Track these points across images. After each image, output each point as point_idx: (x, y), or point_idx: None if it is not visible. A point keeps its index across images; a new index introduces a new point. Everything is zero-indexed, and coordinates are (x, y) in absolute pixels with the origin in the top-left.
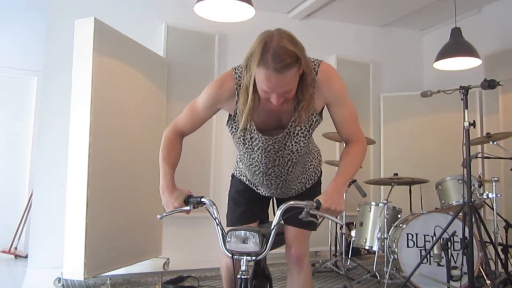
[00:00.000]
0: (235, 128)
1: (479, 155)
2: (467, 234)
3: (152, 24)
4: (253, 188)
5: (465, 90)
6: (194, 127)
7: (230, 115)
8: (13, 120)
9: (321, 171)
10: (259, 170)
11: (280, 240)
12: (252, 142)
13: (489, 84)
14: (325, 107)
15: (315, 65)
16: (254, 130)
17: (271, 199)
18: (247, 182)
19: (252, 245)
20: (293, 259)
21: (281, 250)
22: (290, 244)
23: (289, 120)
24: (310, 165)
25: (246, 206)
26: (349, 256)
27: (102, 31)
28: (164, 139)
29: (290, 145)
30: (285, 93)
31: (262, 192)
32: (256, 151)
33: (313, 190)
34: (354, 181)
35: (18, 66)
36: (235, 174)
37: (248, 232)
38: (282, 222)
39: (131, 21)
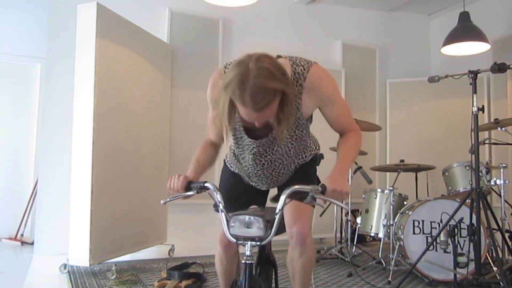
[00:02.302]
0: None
1: (487, 141)
2: (474, 221)
3: (156, 9)
4: (245, 178)
5: (474, 74)
6: (219, 133)
7: None
8: (18, 107)
9: (316, 155)
10: (247, 166)
11: (284, 225)
12: (243, 142)
13: (499, 68)
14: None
15: (304, 69)
16: (242, 131)
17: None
18: (236, 171)
19: (256, 230)
20: (296, 239)
21: (286, 236)
22: (291, 223)
23: (272, 129)
24: (304, 159)
25: (239, 200)
26: (355, 243)
27: (105, 16)
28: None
29: (279, 149)
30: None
31: (251, 183)
32: (245, 150)
33: (305, 169)
34: (360, 167)
35: (21, 53)
36: (226, 160)
37: (252, 217)
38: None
39: (135, 6)
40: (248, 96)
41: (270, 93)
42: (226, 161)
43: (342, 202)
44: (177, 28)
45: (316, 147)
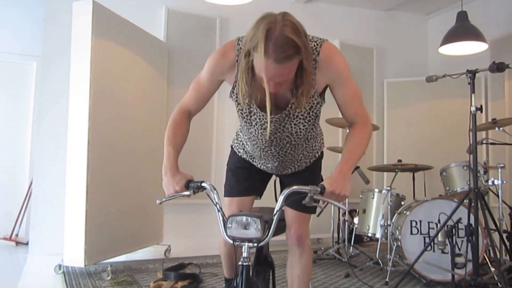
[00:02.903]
0: (235, 101)
1: (485, 141)
2: (472, 221)
3: (152, 7)
4: (251, 161)
5: (472, 74)
6: (200, 103)
7: (232, 87)
8: (13, 106)
9: (322, 153)
10: (257, 145)
11: (282, 226)
12: (251, 117)
13: (498, 67)
14: (328, 88)
15: (317, 45)
16: (253, 105)
17: (273, 179)
18: (244, 156)
19: (254, 231)
20: (294, 240)
21: (284, 237)
22: (291, 226)
23: (288, 102)
24: (312, 149)
25: (244, 183)
26: (352, 243)
27: (101, 14)
28: (170, 120)
29: (289, 127)
30: (282, 82)
31: (258, 165)
32: (254, 126)
33: (312, 168)
34: (357, 167)
35: (17, 52)
36: (233, 146)
37: (249, 218)
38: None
39: (131, 4)
40: (272, 45)
41: (293, 47)
42: (233, 146)
43: (340, 203)
44: (173, 26)
45: (322, 143)
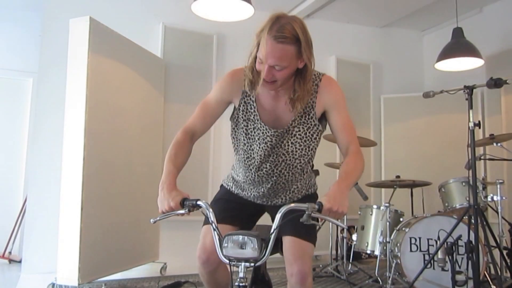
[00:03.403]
0: (241, 118)
1: (483, 157)
2: (471, 238)
3: (149, 24)
4: (240, 192)
5: (469, 89)
6: (206, 124)
7: (235, 108)
8: (9, 122)
9: (316, 193)
10: (253, 164)
11: (277, 244)
12: (254, 132)
13: (496, 83)
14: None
15: (319, 74)
16: (257, 120)
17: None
18: (233, 188)
19: (251, 250)
20: (298, 280)
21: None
22: (293, 262)
23: (289, 120)
24: (306, 183)
25: (226, 212)
26: (350, 260)
27: (98, 31)
28: (173, 141)
29: (286, 144)
30: (276, 67)
31: (248, 194)
32: (256, 141)
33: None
34: (356, 183)
35: (13, 68)
36: (223, 183)
37: (246, 237)
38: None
39: (128, 20)
40: (276, 27)
41: (294, 36)
42: (223, 183)
43: (338, 220)
44: (170, 43)
45: (316, 185)
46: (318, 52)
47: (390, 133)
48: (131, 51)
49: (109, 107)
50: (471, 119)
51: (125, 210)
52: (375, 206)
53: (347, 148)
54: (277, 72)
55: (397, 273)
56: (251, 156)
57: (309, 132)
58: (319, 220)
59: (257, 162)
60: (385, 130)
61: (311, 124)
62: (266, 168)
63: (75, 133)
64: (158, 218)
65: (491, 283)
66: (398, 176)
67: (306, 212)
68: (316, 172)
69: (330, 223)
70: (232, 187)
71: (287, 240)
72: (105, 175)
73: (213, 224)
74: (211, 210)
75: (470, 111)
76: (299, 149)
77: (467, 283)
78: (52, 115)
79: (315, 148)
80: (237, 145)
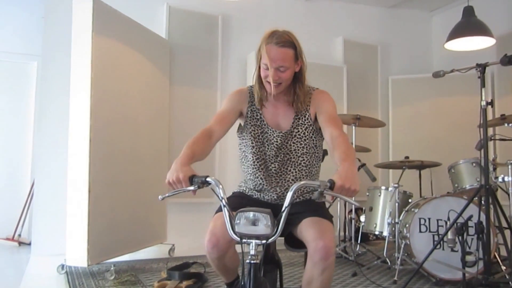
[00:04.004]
0: (249, 124)
1: (493, 137)
2: (482, 219)
3: (154, 5)
4: (254, 194)
5: (482, 68)
6: (222, 128)
7: (243, 115)
8: (14, 106)
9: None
10: (263, 165)
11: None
12: (262, 136)
13: (510, 60)
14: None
15: (313, 86)
16: (264, 125)
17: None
18: (246, 191)
19: (263, 227)
20: (323, 254)
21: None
22: (317, 237)
23: (289, 122)
24: (309, 179)
25: (240, 204)
26: (358, 241)
27: (102, 11)
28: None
29: (291, 143)
30: (281, 68)
31: (261, 196)
32: (265, 143)
33: (315, 202)
34: (364, 164)
35: (18, 51)
36: (235, 190)
37: (259, 213)
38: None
39: (132, 1)
40: (276, 36)
41: (291, 42)
42: (233, 192)
43: (353, 199)
44: (175, 24)
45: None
46: (325, 33)
47: (398, 115)
48: (135, 32)
49: (115, 89)
50: (483, 98)
51: (132, 192)
52: (383, 187)
53: (331, 134)
54: (282, 73)
55: (405, 254)
56: (260, 157)
57: (307, 131)
58: (332, 198)
59: (266, 162)
60: (393, 111)
61: (308, 124)
62: (275, 167)
63: (81, 115)
64: (166, 195)
65: (501, 264)
66: (407, 157)
67: (318, 190)
68: (325, 152)
69: (338, 204)
70: (245, 191)
71: (306, 222)
72: (112, 156)
73: (223, 201)
74: (221, 186)
75: (483, 90)
76: (300, 147)
77: (477, 264)
78: (58, 98)
79: (316, 147)
80: (246, 151)
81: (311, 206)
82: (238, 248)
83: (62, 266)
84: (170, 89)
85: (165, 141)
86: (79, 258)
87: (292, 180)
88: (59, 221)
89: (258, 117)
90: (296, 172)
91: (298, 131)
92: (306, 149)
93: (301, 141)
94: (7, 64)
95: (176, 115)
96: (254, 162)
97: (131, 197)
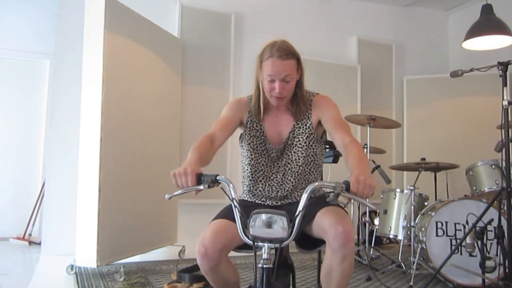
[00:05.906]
0: (248, 135)
1: None
2: (502, 223)
3: (166, 3)
4: (253, 201)
5: (504, 66)
6: (223, 133)
7: (243, 124)
8: (26, 105)
9: (323, 193)
10: (262, 176)
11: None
12: (261, 146)
13: None
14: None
15: (313, 92)
16: (263, 137)
17: None
18: (245, 196)
19: (280, 230)
20: (343, 240)
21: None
22: (336, 225)
23: (291, 131)
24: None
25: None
26: (372, 245)
27: (114, 9)
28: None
29: (290, 154)
30: (286, 78)
31: (261, 196)
32: (264, 155)
33: (320, 199)
34: (378, 166)
35: (30, 50)
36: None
37: (275, 216)
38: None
39: None
40: (276, 49)
41: (292, 52)
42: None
43: (367, 201)
44: (188, 22)
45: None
46: (339, 33)
47: (413, 116)
48: (148, 30)
49: (126, 88)
50: (505, 97)
51: (143, 193)
52: (398, 190)
53: (343, 140)
54: (287, 84)
55: (421, 258)
56: (258, 169)
57: (308, 140)
58: (348, 200)
59: (265, 173)
60: (408, 112)
61: (309, 133)
62: (277, 178)
63: (92, 114)
64: (174, 194)
65: None
66: (423, 159)
67: (335, 192)
68: (338, 154)
69: (352, 207)
70: (245, 198)
71: (322, 212)
72: (123, 156)
73: (234, 201)
74: (231, 185)
75: (504, 89)
76: (301, 156)
77: (498, 269)
78: (69, 97)
79: (316, 155)
80: (244, 162)
81: (321, 202)
82: (236, 259)
83: (72, 267)
84: (182, 88)
85: (176, 141)
86: (88, 258)
87: (291, 189)
88: (70, 221)
89: (258, 128)
90: (295, 181)
91: (299, 140)
92: (306, 158)
93: (302, 150)
94: (20, 62)
95: (187, 114)
96: (252, 173)
97: (142, 197)
